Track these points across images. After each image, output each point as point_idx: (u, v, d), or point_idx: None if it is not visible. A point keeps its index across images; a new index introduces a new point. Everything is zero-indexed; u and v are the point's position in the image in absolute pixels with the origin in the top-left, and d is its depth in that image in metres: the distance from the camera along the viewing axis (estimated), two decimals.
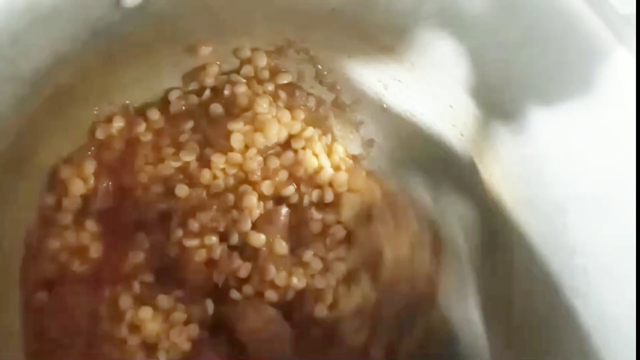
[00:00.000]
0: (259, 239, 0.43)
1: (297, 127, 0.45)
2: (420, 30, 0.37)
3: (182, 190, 0.42)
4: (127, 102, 0.43)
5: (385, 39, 0.39)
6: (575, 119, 0.36)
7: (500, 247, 0.44)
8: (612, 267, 0.36)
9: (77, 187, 0.41)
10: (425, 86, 0.43)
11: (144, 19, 0.34)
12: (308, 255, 0.44)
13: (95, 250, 0.40)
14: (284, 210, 0.44)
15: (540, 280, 0.40)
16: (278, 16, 0.40)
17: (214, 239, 0.42)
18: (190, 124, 0.43)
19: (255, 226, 0.43)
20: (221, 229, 0.43)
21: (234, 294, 0.42)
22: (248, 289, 0.43)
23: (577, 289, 0.38)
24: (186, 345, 0.41)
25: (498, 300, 0.43)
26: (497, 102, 0.39)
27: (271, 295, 0.43)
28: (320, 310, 0.44)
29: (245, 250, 0.43)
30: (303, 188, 0.45)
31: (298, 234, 0.45)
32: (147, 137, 0.43)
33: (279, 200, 0.45)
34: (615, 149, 0.34)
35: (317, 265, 0.44)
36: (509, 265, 0.43)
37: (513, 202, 0.42)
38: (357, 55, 0.43)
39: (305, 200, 0.45)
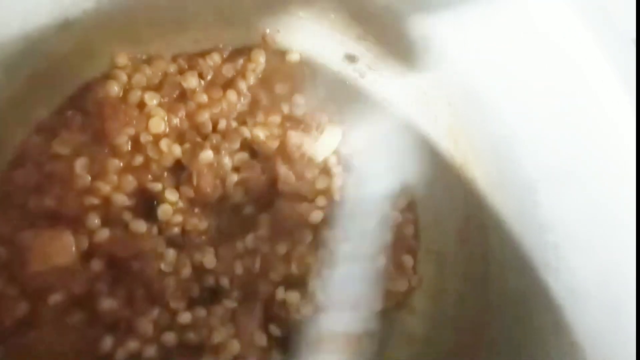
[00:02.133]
0: None
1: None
2: (389, 15, 0.38)
3: None
4: None
5: (357, 25, 0.40)
6: (540, 99, 0.37)
7: (475, 228, 0.45)
8: (581, 242, 0.37)
9: None
10: (399, 73, 0.44)
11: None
12: None
13: None
14: None
15: (514, 258, 0.41)
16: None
17: None
18: None
19: None
20: None
21: None
22: None
23: (549, 265, 0.39)
24: None
25: (475, 279, 0.45)
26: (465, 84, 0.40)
27: None
28: None
29: None
30: None
31: None
32: None
33: None
34: (578, 126, 0.36)
35: None
36: (484, 245, 0.44)
37: (486, 185, 0.43)
38: (332, 44, 0.44)
39: None
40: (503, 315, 0.42)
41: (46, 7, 0.32)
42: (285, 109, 0.44)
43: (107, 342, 0.38)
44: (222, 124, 0.43)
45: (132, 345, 0.39)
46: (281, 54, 0.45)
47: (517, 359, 0.40)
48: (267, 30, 0.44)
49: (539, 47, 0.36)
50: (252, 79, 0.44)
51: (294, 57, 0.45)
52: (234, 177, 0.42)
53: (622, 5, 0.31)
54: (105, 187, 0.40)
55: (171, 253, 0.41)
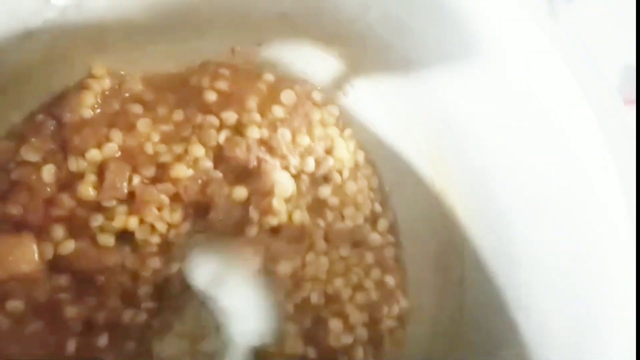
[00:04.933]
0: None
1: None
2: (369, 37, 0.37)
3: None
4: None
5: (338, 45, 0.40)
6: (518, 136, 0.36)
7: (453, 256, 0.44)
8: (551, 281, 0.36)
9: None
10: (383, 96, 0.43)
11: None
12: None
13: None
14: None
15: (488, 292, 0.40)
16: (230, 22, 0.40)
17: None
18: None
19: None
20: None
21: None
22: None
23: (520, 302, 0.38)
24: None
25: (449, 310, 0.44)
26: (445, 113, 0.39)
27: None
28: None
29: None
30: None
31: None
32: None
33: None
34: (554, 164, 0.35)
35: None
36: (461, 274, 0.44)
37: (465, 214, 0.43)
38: (314, 62, 0.44)
39: None
40: (473, 347, 0.41)
41: (1, 18, 0.31)
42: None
43: (71, 346, 0.38)
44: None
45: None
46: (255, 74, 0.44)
47: None
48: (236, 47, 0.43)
49: (522, 91, 0.35)
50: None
51: (267, 77, 0.45)
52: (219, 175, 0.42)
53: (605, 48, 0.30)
54: (70, 202, 0.39)
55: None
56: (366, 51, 0.39)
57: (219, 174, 0.42)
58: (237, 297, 0.39)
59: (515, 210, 0.38)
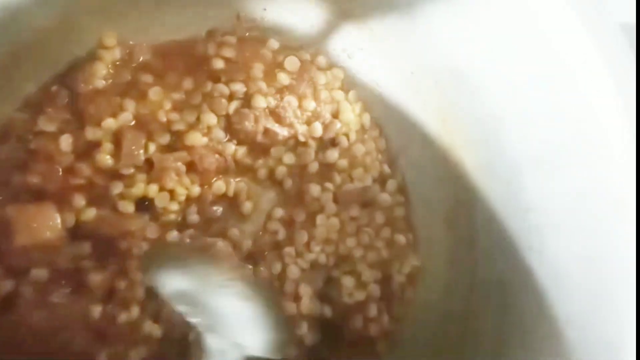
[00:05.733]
0: None
1: None
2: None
3: None
4: None
5: (344, 2, 0.40)
6: (528, 83, 0.36)
7: (463, 211, 0.45)
8: (563, 224, 0.36)
9: None
10: (387, 54, 0.44)
11: None
12: None
13: None
14: None
15: (500, 240, 0.41)
16: None
17: None
18: None
19: None
20: None
21: None
22: None
23: (532, 247, 0.39)
24: None
25: (461, 265, 0.45)
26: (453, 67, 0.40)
27: None
28: None
29: None
30: None
31: None
32: None
33: None
34: (565, 112, 0.35)
35: None
36: (471, 228, 0.44)
37: (473, 167, 0.43)
38: (318, 24, 0.44)
39: None
40: (488, 303, 0.42)
41: None
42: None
43: (96, 312, 0.39)
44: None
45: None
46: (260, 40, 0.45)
47: (500, 350, 0.40)
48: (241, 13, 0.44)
49: (528, 32, 0.35)
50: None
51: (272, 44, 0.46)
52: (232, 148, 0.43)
53: None
54: (88, 170, 0.40)
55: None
56: (370, 9, 0.40)
57: (231, 146, 0.43)
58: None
59: (526, 157, 0.38)
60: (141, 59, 0.43)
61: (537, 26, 0.34)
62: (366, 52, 0.45)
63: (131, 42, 0.43)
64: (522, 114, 0.38)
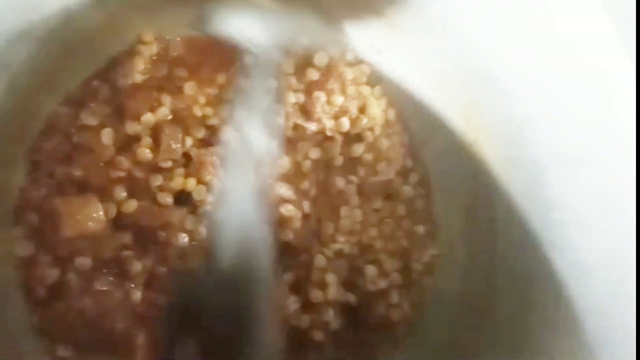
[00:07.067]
0: None
1: None
2: None
3: None
4: None
5: (377, 2, 0.41)
6: (554, 81, 0.38)
7: (484, 205, 0.46)
8: (585, 220, 0.38)
9: None
10: (415, 52, 0.45)
11: None
12: None
13: None
14: None
15: (520, 235, 0.42)
16: None
17: None
18: None
19: None
20: None
21: None
22: None
23: (554, 242, 0.40)
24: None
25: (481, 258, 0.46)
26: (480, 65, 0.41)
27: None
28: None
29: None
30: None
31: None
32: None
33: None
34: (590, 111, 0.37)
35: None
36: (492, 222, 0.45)
37: (496, 162, 0.44)
38: (347, 21, 0.45)
39: None
40: (507, 296, 0.43)
41: None
42: None
43: (136, 296, 0.41)
44: None
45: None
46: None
47: (519, 340, 0.41)
48: None
49: (555, 32, 0.36)
50: None
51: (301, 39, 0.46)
52: None
53: None
54: (128, 163, 0.41)
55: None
56: (403, 8, 0.41)
57: None
58: None
59: (550, 154, 0.39)
60: (175, 53, 0.44)
61: (565, 26, 0.36)
62: (394, 49, 0.46)
63: (167, 38, 0.44)
64: (548, 112, 0.39)
